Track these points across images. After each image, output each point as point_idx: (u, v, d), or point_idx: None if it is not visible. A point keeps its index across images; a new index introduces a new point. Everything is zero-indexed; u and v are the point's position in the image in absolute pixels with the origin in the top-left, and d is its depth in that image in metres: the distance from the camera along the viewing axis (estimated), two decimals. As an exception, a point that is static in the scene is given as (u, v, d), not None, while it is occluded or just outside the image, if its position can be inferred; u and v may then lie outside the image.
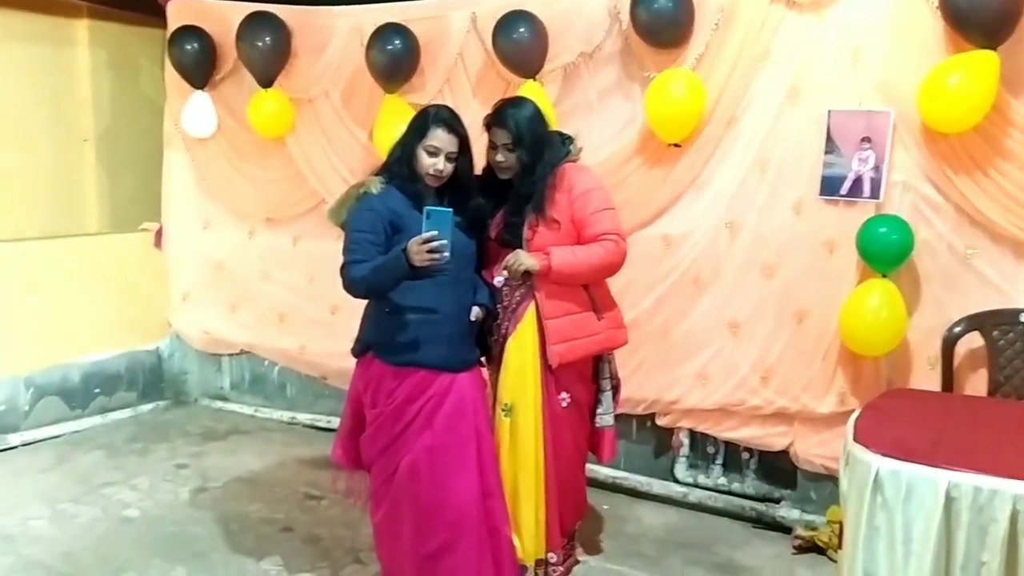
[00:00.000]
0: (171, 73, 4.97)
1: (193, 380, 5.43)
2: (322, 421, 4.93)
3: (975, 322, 3.17)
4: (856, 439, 2.12)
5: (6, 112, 4.90)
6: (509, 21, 3.84)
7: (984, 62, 3.05)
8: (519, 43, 3.85)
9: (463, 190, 2.87)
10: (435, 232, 2.56)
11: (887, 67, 3.33)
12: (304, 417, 5.02)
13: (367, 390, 2.87)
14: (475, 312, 2.87)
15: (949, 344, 3.18)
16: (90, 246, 5.10)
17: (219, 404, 5.33)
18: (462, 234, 2.84)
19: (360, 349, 2.90)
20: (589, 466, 3.57)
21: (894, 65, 3.32)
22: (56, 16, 5.20)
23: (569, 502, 3.04)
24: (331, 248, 4.65)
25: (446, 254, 2.58)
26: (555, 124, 3.10)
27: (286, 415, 5.09)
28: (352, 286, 2.79)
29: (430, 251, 2.56)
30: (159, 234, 5.30)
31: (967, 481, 1.92)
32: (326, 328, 4.81)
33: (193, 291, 5.29)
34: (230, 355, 5.34)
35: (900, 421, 2.28)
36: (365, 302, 2.95)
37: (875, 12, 3.34)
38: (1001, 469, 1.93)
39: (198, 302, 5.28)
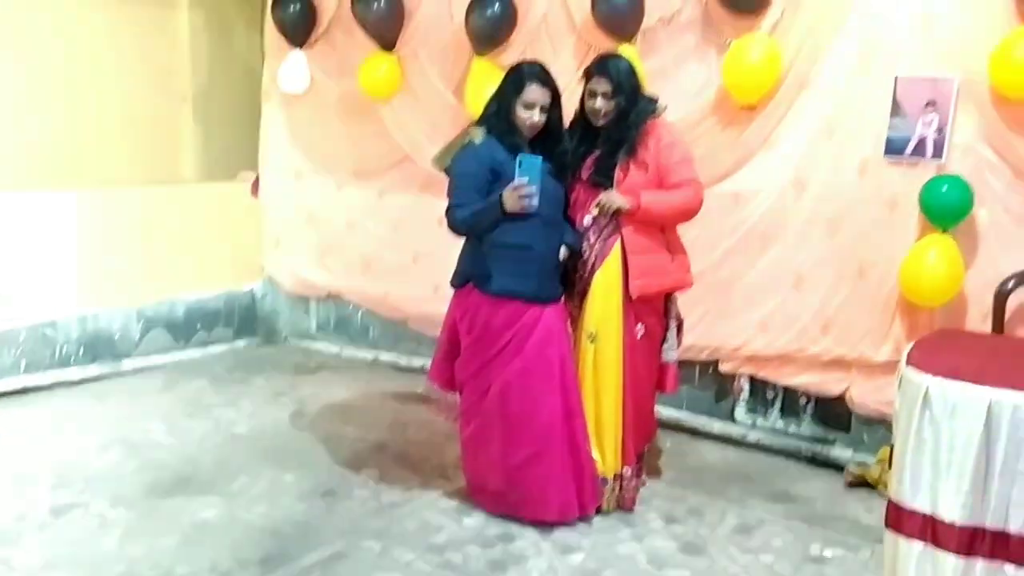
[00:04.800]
0: (271, 33, 5.33)
1: (283, 320, 5.86)
2: (403, 361, 5.31)
3: (1027, 277, 3.38)
4: (909, 363, 2.39)
5: (111, 69, 5.31)
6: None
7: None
8: (618, 7, 4.09)
9: (554, 139, 3.18)
10: (525, 179, 2.92)
11: (955, 36, 3.52)
12: (386, 357, 5.41)
13: (464, 318, 3.22)
14: (563, 251, 3.20)
15: (1001, 298, 3.39)
16: (192, 193, 5.54)
17: (306, 343, 5.75)
18: (552, 180, 3.16)
19: (460, 281, 3.24)
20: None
21: (962, 34, 3.51)
22: (159, -21, 5.60)
23: (641, 424, 3.36)
24: (415, 200, 5.14)
25: (535, 200, 2.93)
26: (645, 84, 3.36)
27: (369, 354, 5.48)
28: (456, 227, 3.15)
29: (521, 197, 2.91)
30: (256, 184, 5.70)
31: (1007, 399, 2.17)
32: (408, 275, 5.18)
33: (285, 238, 5.69)
34: (317, 299, 5.75)
35: (950, 351, 2.53)
36: (446, 248, 3.30)
37: (945, -17, 3.53)
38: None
39: (289, 248, 5.68)
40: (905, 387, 2.36)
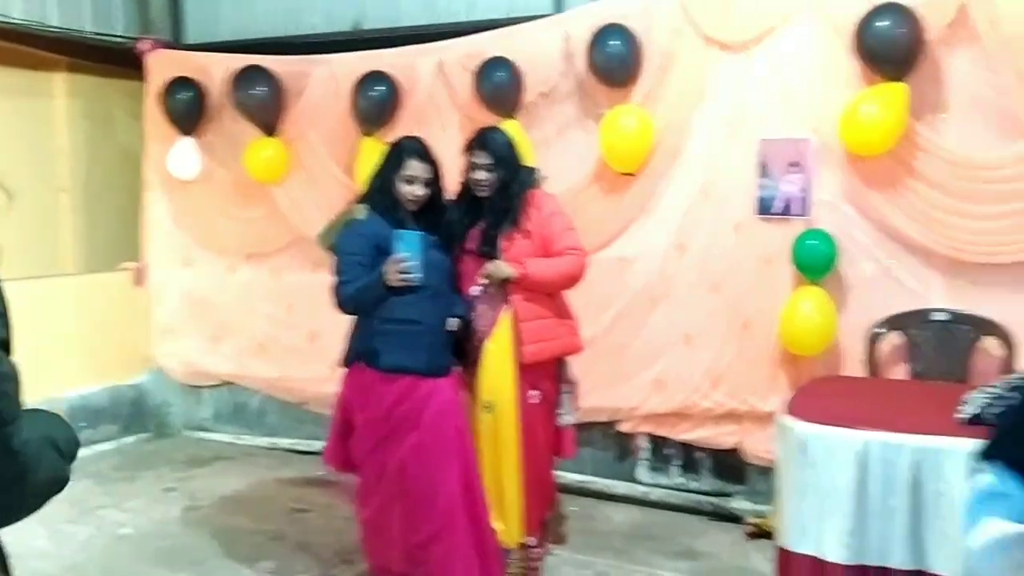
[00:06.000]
0: (153, 120, 5.26)
1: (175, 412, 5.62)
2: (303, 445, 5.16)
3: (895, 322, 3.59)
4: (787, 412, 2.47)
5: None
6: (490, 65, 4.23)
7: (894, 93, 3.50)
8: (498, 85, 4.23)
9: (438, 211, 3.22)
10: (405, 254, 2.93)
11: (810, 100, 3.79)
12: (285, 442, 5.25)
13: (356, 396, 3.17)
14: (453, 323, 3.20)
15: (873, 342, 3.57)
16: (73, 285, 5.33)
17: (201, 434, 5.53)
18: (438, 252, 3.18)
19: (350, 359, 3.19)
20: (558, 472, 3.90)
21: (816, 98, 3.77)
22: (35, 70, 5.48)
23: (543, 491, 3.34)
24: (310, 279, 5.07)
25: (416, 274, 2.94)
26: (530, 157, 3.47)
27: (268, 441, 5.31)
28: (342, 304, 3.13)
29: (401, 271, 2.93)
30: (140, 272, 5.54)
31: (877, 439, 2.28)
32: (306, 356, 5.08)
33: (174, 326, 5.51)
34: (211, 386, 5.56)
35: (825, 397, 2.65)
36: (343, 326, 3.27)
37: (797, 51, 3.80)
38: (905, 428, 2.29)
39: (179, 336, 5.50)
40: (785, 435, 2.44)
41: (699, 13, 3.94)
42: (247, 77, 4.80)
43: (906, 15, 3.44)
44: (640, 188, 4.15)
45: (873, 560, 2.25)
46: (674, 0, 3.98)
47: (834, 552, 2.28)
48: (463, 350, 3.30)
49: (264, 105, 4.82)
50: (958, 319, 3.51)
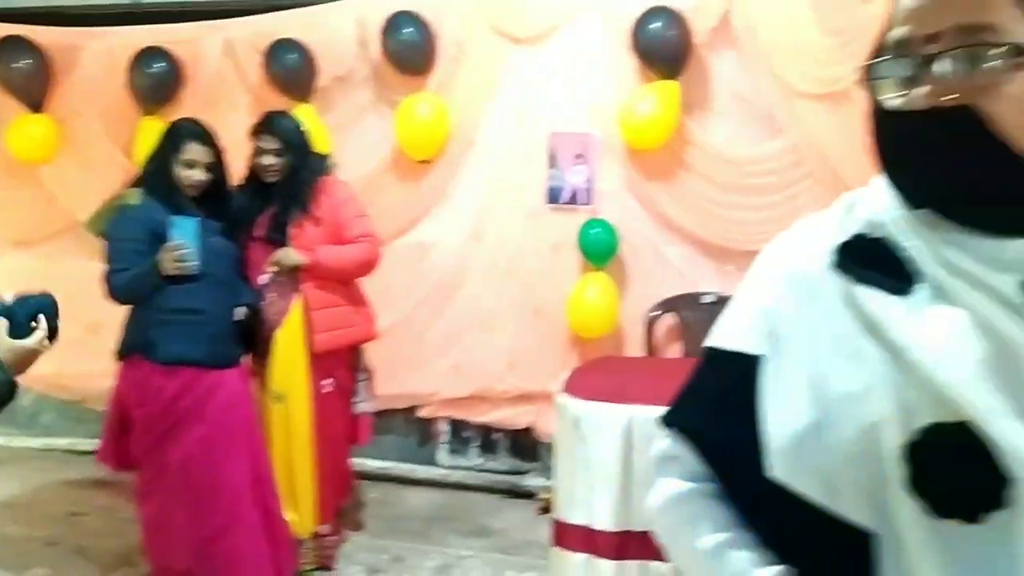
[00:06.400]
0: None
1: (-69, 415, 5.07)
2: (83, 445, 4.79)
3: (670, 304, 3.87)
4: (564, 390, 2.62)
5: None
6: (281, 47, 4.11)
7: (668, 91, 3.75)
8: (289, 67, 4.13)
9: (222, 198, 3.11)
10: (180, 241, 2.82)
11: (594, 95, 3.97)
12: (62, 443, 4.89)
13: (133, 391, 3.01)
14: (240, 311, 3.11)
15: (651, 323, 3.83)
16: None
17: (-37, 438, 5.03)
18: (223, 239, 3.08)
19: (125, 351, 3.03)
20: (358, 460, 3.91)
21: (599, 93, 3.96)
22: None
23: (337, 479, 3.34)
24: (89, 267, 4.68)
25: (192, 262, 2.83)
26: (325, 144, 3.41)
27: (42, 442, 4.92)
28: (114, 294, 2.98)
29: (177, 259, 2.82)
30: None
31: (644, 414, 2.46)
32: (85, 349, 4.69)
33: (-71, 320, 4.96)
34: (-26, 386, 5.06)
35: (599, 376, 2.82)
36: (126, 316, 3.10)
37: (582, 48, 3.98)
38: (668, 402, 2.48)
39: (-65, 331, 4.96)
40: (560, 413, 2.58)
41: (489, 4, 4.03)
42: (9, 48, 4.38)
43: (676, 18, 3.69)
44: (436, 176, 4.19)
45: (637, 526, 2.43)
46: (465, -10, 4.05)
47: (603, 521, 2.44)
48: (253, 340, 3.22)
49: (29, 79, 4.42)
50: (724, 301, 3.78)
